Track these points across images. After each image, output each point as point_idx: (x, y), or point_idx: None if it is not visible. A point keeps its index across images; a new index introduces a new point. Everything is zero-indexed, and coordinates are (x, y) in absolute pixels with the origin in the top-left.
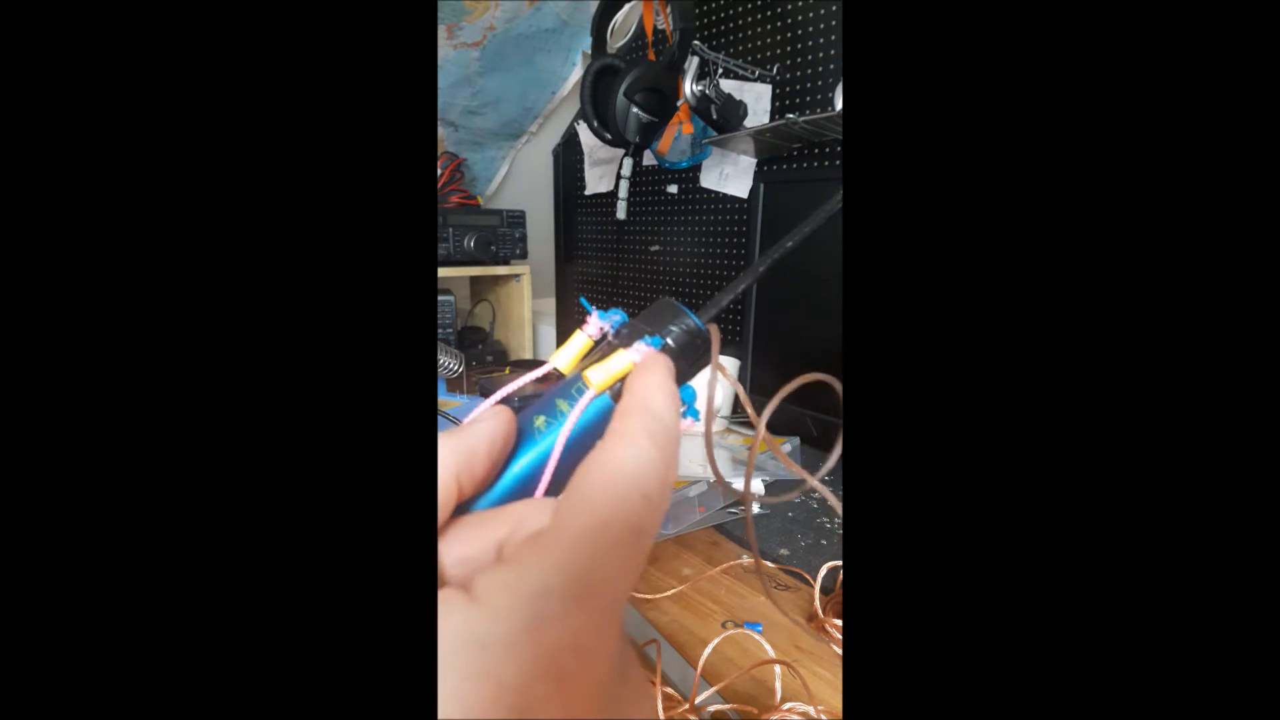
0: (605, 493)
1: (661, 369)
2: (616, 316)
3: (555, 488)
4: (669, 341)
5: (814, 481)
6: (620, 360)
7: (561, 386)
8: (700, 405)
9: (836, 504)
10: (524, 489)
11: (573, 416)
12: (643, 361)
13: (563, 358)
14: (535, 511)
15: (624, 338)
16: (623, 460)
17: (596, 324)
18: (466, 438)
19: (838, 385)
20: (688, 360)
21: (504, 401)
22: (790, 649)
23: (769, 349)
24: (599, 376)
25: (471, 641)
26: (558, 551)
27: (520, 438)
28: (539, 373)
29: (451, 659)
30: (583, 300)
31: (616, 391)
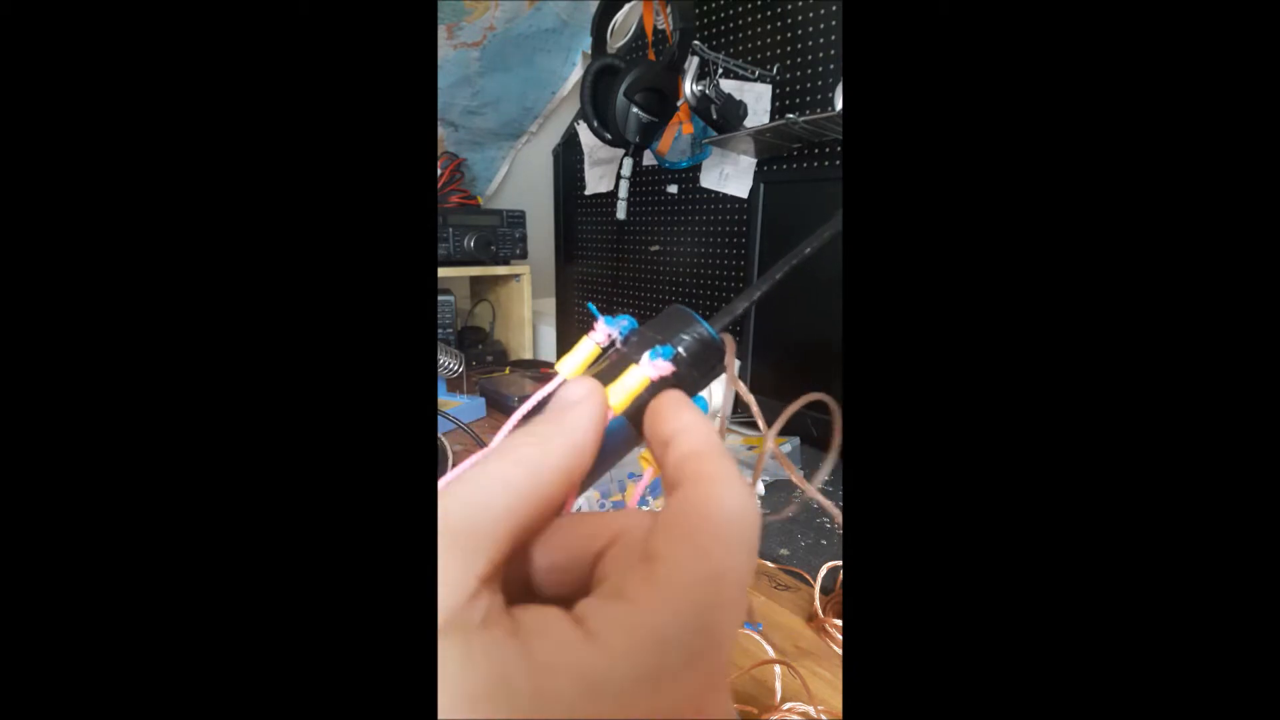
0: (716, 540)
1: (687, 401)
2: (625, 322)
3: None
4: (680, 351)
5: (811, 490)
6: (635, 377)
7: None
8: (716, 416)
9: (831, 509)
10: None
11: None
12: (677, 396)
13: (569, 365)
14: (636, 523)
15: (634, 346)
16: (730, 507)
17: (604, 330)
18: (575, 429)
19: (835, 405)
20: (700, 370)
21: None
22: (790, 649)
23: (769, 349)
24: (617, 397)
25: (584, 683)
26: (676, 596)
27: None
28: (551, 386)
29: (558, 696)
30: (590, 306)
31: (632, 411)
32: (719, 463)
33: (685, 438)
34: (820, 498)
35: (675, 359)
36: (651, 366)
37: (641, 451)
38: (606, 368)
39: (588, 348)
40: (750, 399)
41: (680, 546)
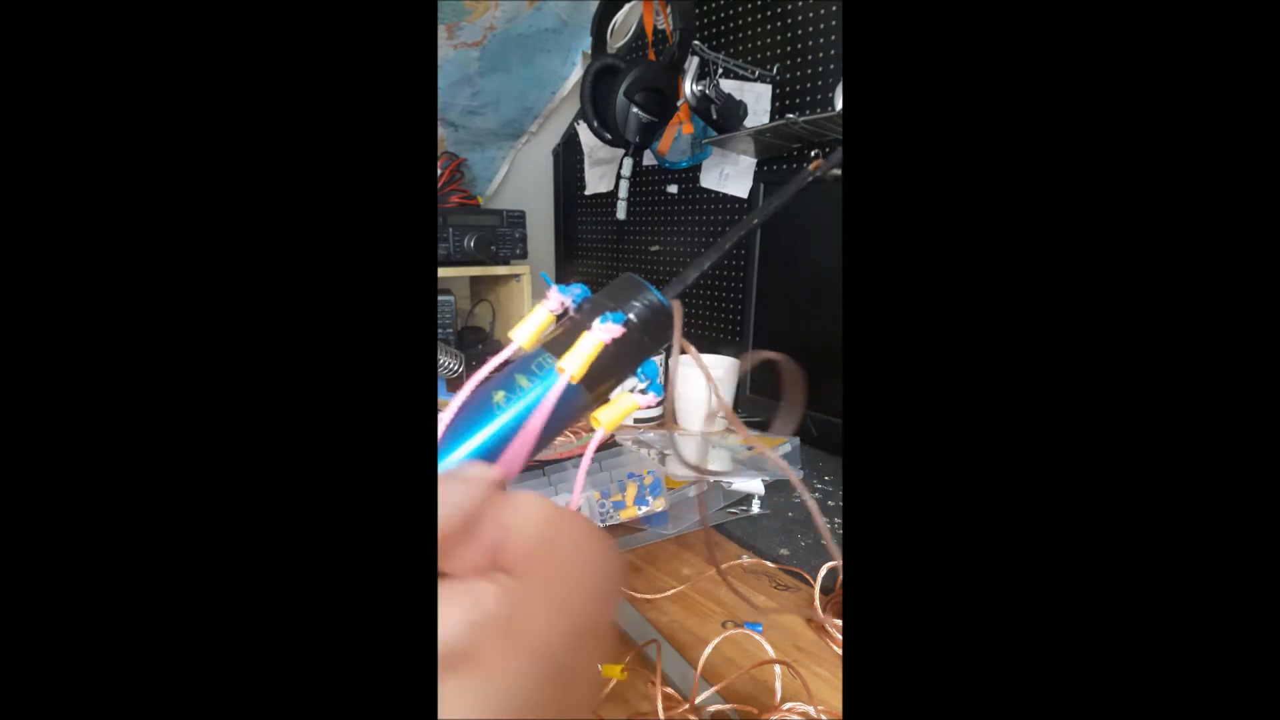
0: (571, 599)
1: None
2: (577, 290)
3: (510, 460)
4: (631, 317)
5: (803, 491)
6: (589, 342)
7: (521, 362)
8: (716, 416)
9: (810, 501)
10: (489, 462)
11: (548, 400)
12: (492, 503)
13: (523, 333)
14: (520, 523)
15: (586, 313)
16: (583, 568)
17: (557, 298)
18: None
19: (783, 360)
20: (650, 335)
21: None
22: (790, 649)
23: (769, 348)
24: (575, 366)
25: None
26: (528, 660)
27: (478, 411)
28: (505, 354)
29: None
30: (544, 275)
31: (587, 377)
32: (569, 526)
33: (517, 532)
34: (804, 490)
35: (626, 324)
36: (604, 330)
37: (594, 413)
38: (561, 334)
39: (541, 315)
40: (701, 361)
41: (535, 599)
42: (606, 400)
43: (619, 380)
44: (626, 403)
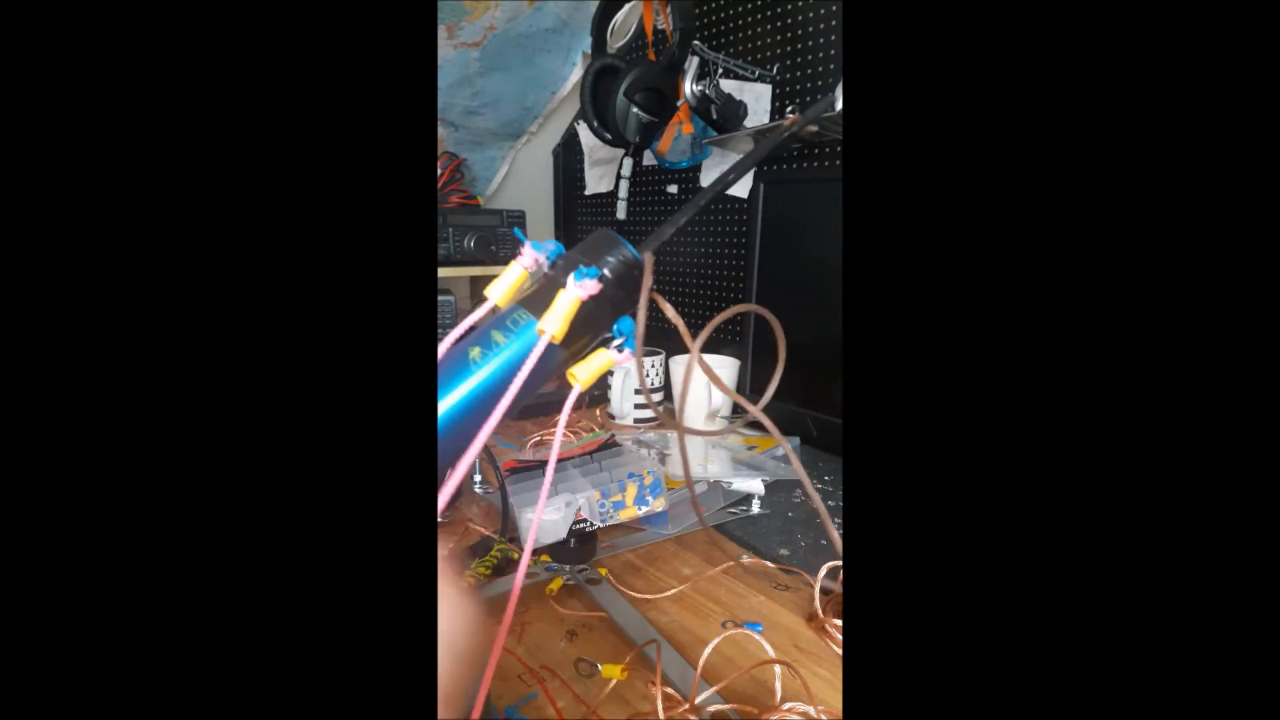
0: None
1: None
2: (551, 247)
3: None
4: (606, 272)
5: (812, 493)
6: (567, 300)
7: (497, 319)
8: (715, 415)
9: (818, 502)
10: (463, 420)
11: (529, 363)
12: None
13: (498, 290)
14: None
15: (560, 269)
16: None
17: (531, 255)
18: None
19: (767, 315)
20: (625, 290)
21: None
22: (790, 649)
23: (769, 348)
24: (556, 326)
25: None
26: None
27: (454, 368)
28: (480, 311)
29: None
30: (516, 231)
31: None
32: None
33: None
34: (806, 480)
35: (601, 279)
36: (579, 287)
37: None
38: (536, 291)
39: (515, 272)
40: (676, 316)
41: None
42: (582, 357)
43: (594, 336)
44: (602, 359)
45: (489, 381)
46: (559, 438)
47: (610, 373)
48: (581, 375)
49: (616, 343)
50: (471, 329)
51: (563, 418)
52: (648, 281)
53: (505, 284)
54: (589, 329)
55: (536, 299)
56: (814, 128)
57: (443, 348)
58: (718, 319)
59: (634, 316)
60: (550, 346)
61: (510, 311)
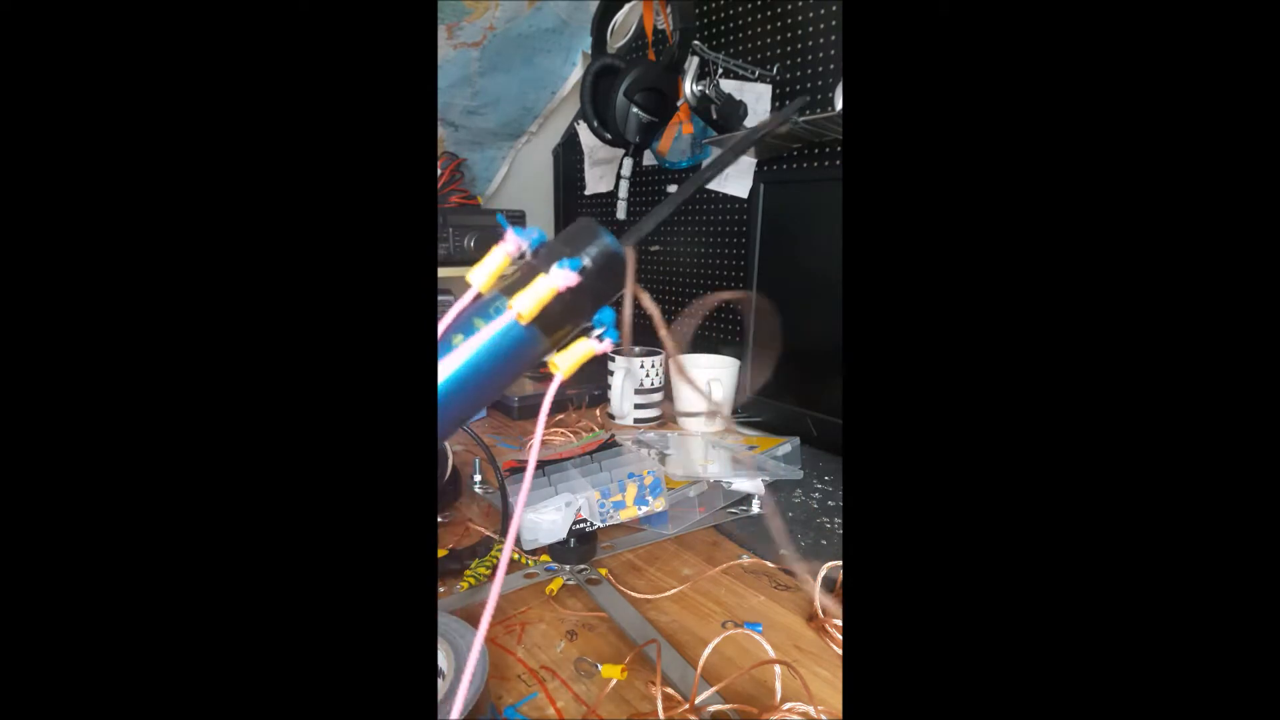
0: None
1: None
2: (534, 234)
3: (466, 403)
4: (587, 263)
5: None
6: (543, 286)
7: (480, 305)
8: (715, 414)
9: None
10: (445, 401)
11: (485, 332)
12: None
13: (480, 276)
14: None
15: (543, 258)
16: None
17: (514, 241)
18: None
19: (743, 298)
20: (605, 281)
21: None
22: (790, 649)
23: (768, 348)
24: (526, 304)
25: None
26: None
27: (440, 354)
28: (466, 298)
29: None
30: (499, 218)
31: (541, 319)
32: None
33: None
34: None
35: (582, 270)
36: (559, 277)
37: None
38: (518, 278)
39: (498, 257)
40: (653, 307)
41: None
42: (564, 346)
43: (575, 326)
44: (583, 348)
45: (468, 366)
46: (540, 425)
47: (610, 373)
48: (562, 364)
49: (597, 332)
50: (461, 313)
51: (546, 401)
52: (630, 278)
53: (487, 270)
54: (570, 318)
55: (518, 286)
56: (785, 129)
57: (445, 322)
58: (698, 305)
59: (616, 308)
60: (531, 334)
61: (492, 298)
